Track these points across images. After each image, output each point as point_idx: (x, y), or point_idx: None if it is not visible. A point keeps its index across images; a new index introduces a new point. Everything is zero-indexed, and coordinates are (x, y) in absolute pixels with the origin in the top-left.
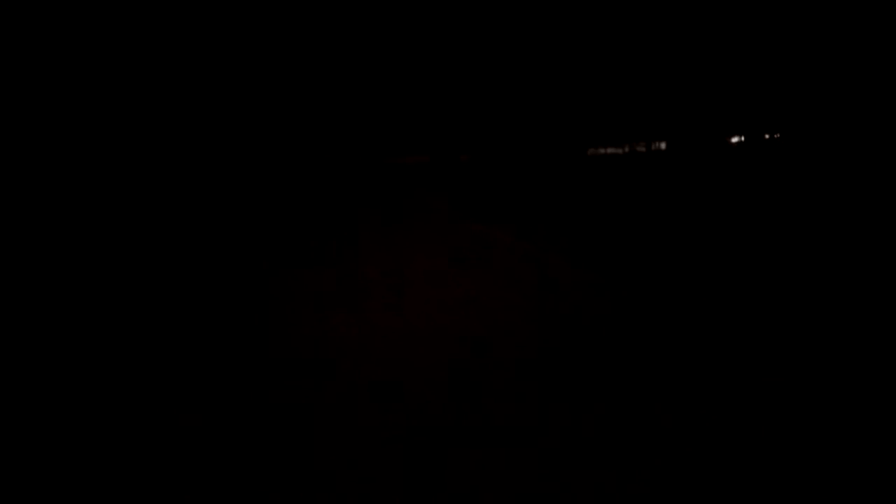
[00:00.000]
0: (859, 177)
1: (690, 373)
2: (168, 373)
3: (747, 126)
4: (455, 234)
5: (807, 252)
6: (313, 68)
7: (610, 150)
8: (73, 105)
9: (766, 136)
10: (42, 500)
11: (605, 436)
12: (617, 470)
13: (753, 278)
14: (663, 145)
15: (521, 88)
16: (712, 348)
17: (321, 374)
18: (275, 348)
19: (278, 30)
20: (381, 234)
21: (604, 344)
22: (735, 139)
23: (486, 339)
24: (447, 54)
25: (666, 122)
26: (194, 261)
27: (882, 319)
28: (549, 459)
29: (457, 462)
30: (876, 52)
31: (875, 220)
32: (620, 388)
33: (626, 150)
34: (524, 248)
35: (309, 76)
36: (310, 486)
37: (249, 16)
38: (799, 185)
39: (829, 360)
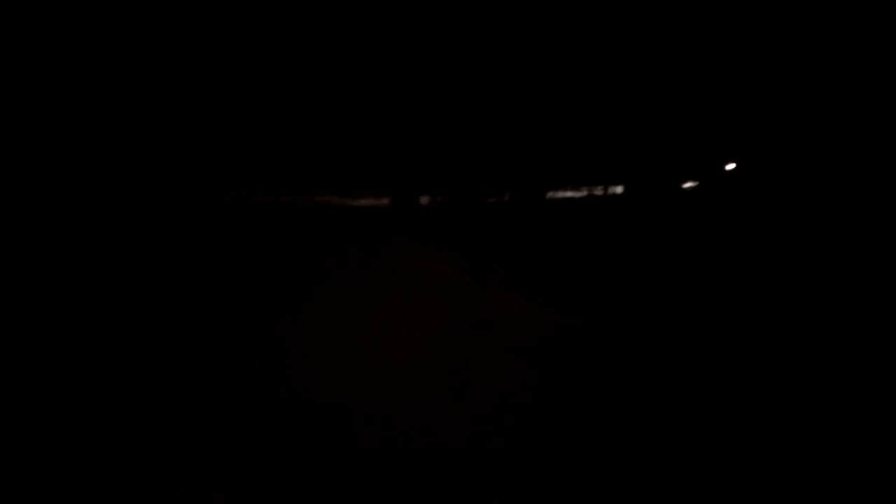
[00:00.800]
0: (812, 216)
1: (662, 410)
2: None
3: (701, 171)
4: (418, 280)
5: (761, 290)
6: (262, 100)
7: (569, 194)
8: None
9: (718, 181)
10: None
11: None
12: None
13: (712, 314)
14: (619, 189)
15: (479, 131)
16: (679, 387)
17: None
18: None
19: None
20: (339, 280)
21: (566, 382)
22: (689, 184)
23: (452, 384)
24: (401, 99)
25: (623, 167)
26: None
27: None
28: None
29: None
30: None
31: (828, 256)
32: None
33: (584, 193)
34: (488, 293)
35: (257, 108)
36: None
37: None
38: (749, 227)
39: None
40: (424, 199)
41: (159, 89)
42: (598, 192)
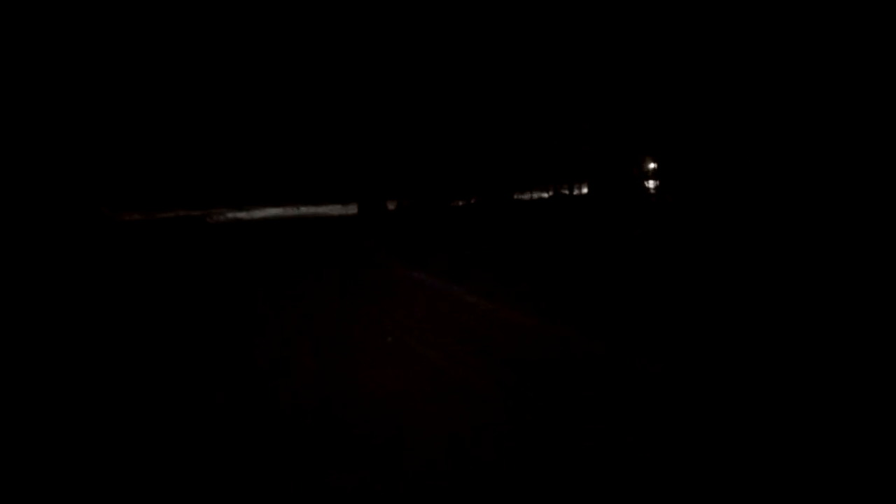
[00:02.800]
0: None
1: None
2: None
3: (659, 170)
4: (394, 284)
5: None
6: (225, 110)
7: (535, 195)
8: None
9: (675, 182)
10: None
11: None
12: None
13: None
14: (585, 189)
15: (444, 133)
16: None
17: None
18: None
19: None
20: (314, 291)
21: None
22: (651, 184)
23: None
24: (366, 110)
25: (586, 167)
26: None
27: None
28: None
29: None
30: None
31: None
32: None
33: (551, 192)
34: (458, 294)
35: (222, 117)
36: None
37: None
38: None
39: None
40: (392, 205)
41: (136, 111)
42: (565, 191)
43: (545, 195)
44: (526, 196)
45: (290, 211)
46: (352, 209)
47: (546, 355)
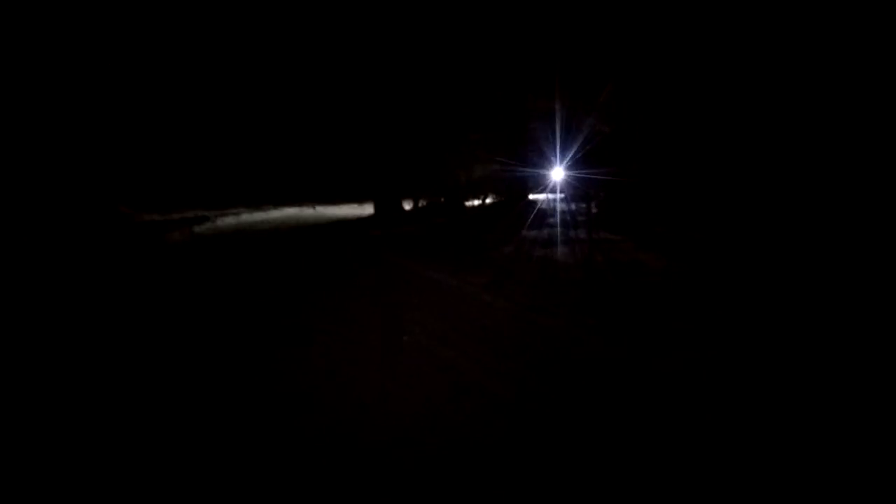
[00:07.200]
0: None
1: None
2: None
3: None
4: (408, 282)
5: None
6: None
7: (551, 195)
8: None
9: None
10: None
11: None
12: None
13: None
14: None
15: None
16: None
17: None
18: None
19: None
20: (332, 292)
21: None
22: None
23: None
24: (379, 112)
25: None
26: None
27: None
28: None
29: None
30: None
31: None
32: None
33: (562, 196)
34: (470, 292)
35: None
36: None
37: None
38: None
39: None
40: (408, 205)
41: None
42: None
43: (561, 195)
44: (542, 196)
45: (306, 210)
46: (368, 208)
47: (552, 353)
